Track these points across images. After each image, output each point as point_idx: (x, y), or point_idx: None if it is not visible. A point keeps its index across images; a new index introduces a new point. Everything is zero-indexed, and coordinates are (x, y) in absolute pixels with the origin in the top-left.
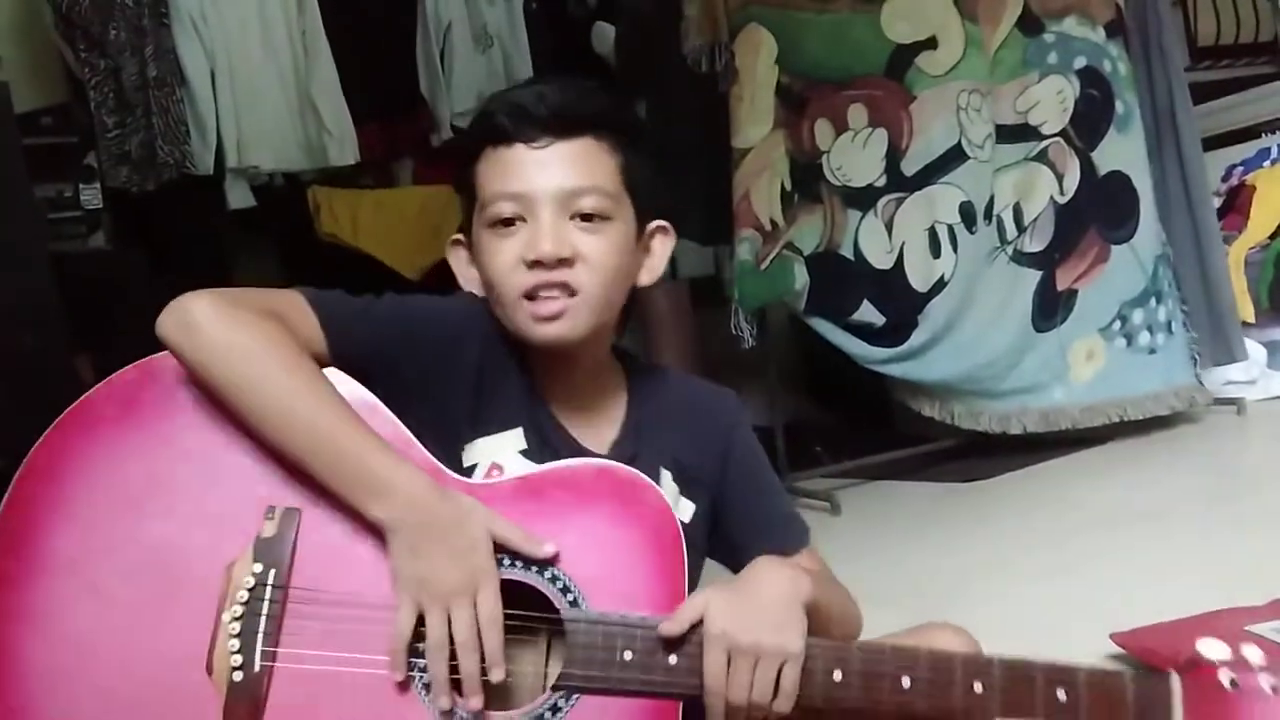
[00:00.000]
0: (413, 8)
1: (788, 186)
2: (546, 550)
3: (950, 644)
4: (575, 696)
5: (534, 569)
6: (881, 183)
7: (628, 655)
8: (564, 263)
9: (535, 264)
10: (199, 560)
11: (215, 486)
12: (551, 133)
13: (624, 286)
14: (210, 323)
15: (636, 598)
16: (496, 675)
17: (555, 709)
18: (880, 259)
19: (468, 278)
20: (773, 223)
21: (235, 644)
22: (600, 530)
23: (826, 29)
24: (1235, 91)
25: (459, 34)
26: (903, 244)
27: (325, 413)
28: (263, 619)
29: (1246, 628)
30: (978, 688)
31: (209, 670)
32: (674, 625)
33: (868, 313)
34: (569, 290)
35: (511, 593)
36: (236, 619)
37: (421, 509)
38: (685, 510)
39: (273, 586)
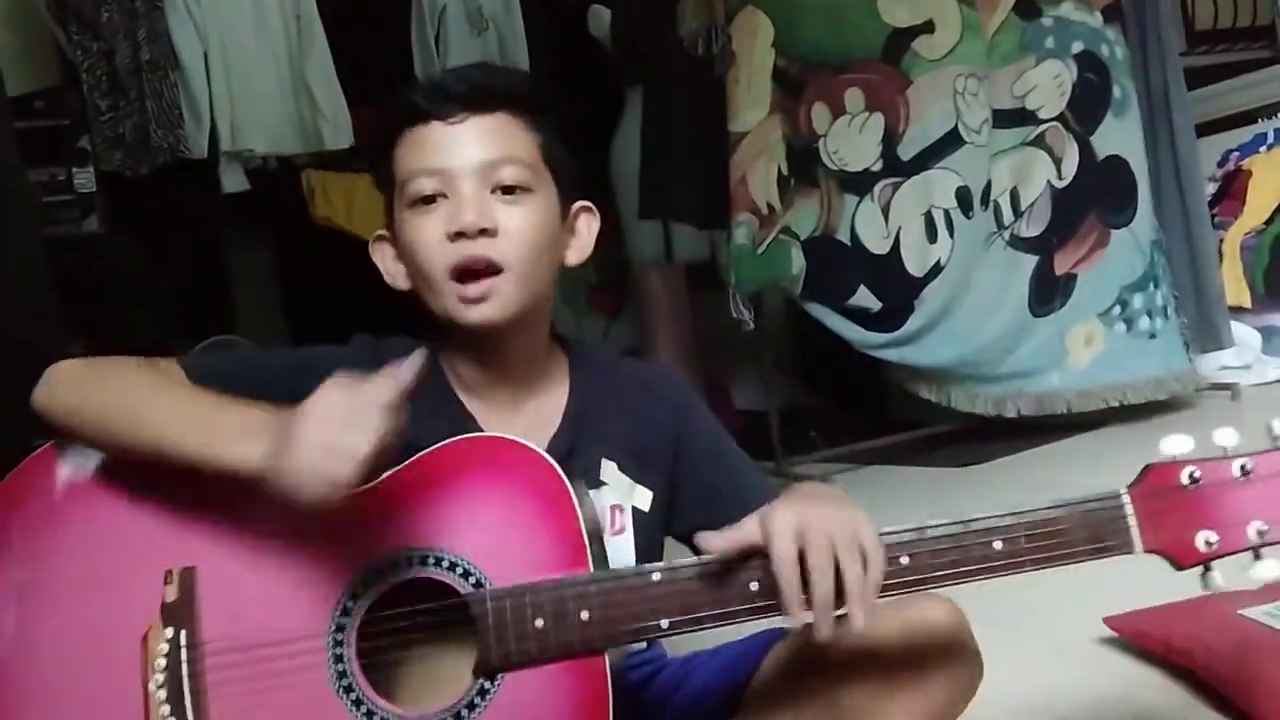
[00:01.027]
0: None
1: (784, 170)
2: (405, 375)
3: (937, 617)
4: (499, 676)
5: (431, 562)
6: (878, 167)
7: (539, 623)
8: (486, 234)
9: (458, 235)
10: (120, 640)
11: (114, 566)
12: (467, 108)
13: (550, 263)
14: (66, 370)
15: (537, 562)
16: None
17: (483, 692)
18: (877, 244)
19: (393, 274)
20: (769, 207)
21: (166, 709)
22: (483, 502)
23: (823, 12)
24: (1232, 76)
25: (454, 16)
26: (899, 229)
27: (163, 393)
28: (185, 679)
29: (1240, 611)
30: (904, 560)
31: None
32: (728, 546)
33: (864, 297)
34: (493, 267)
35: (418, 594)
36: (160, 686)
37: (270, 420)
38: (642, 498)
39: (187, 647)
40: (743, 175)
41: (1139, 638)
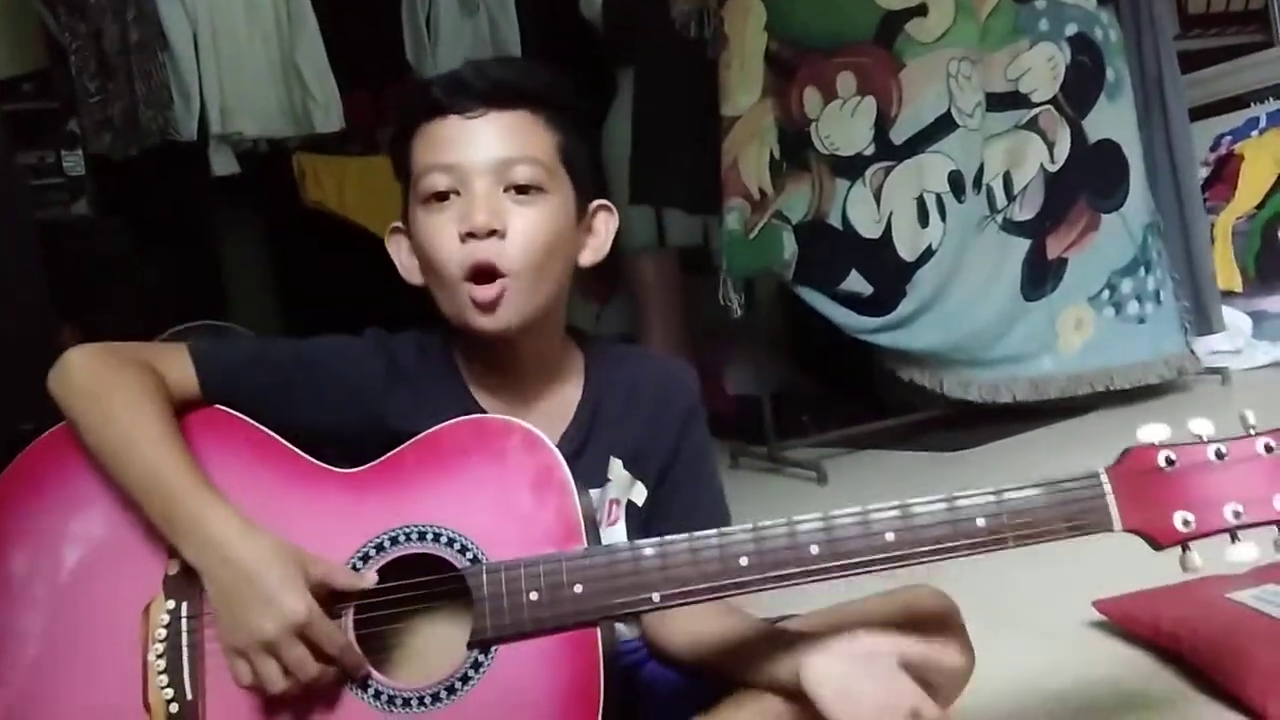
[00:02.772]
0: None
1: (776, 155)
2: (369, 580)
3: (929, 605)
4: (493, 649)
5: (430, 538)
6: (870, 151)
7: (533, 595)
8: (496, 234)
9: (468, 236)
10: (119, 610)
11: (121, 536)
12: (487, 104)
13: (563, 264)
14: (77, 370)
15: (534, 538)
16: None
17: (476, 665)
18: (868, 228)
19: (408, 267)
20: (761, 191)
21: (164, 679)
22: (483, 481)
23: None
24: (1225, 60)
25: None
26: (891, 213)
27: (157, 453)
28: (185, 649)
29: (1228, 595)
30: (890, 537)
31: (147, 709)
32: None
33: (856, 282)
34: (499, 272)
35: (416, 569)
36: (159, 656)
37: (223, 551)
38: (639, 493)
39: (187, 618)
40: (734, 160)
41: (1128, 621)
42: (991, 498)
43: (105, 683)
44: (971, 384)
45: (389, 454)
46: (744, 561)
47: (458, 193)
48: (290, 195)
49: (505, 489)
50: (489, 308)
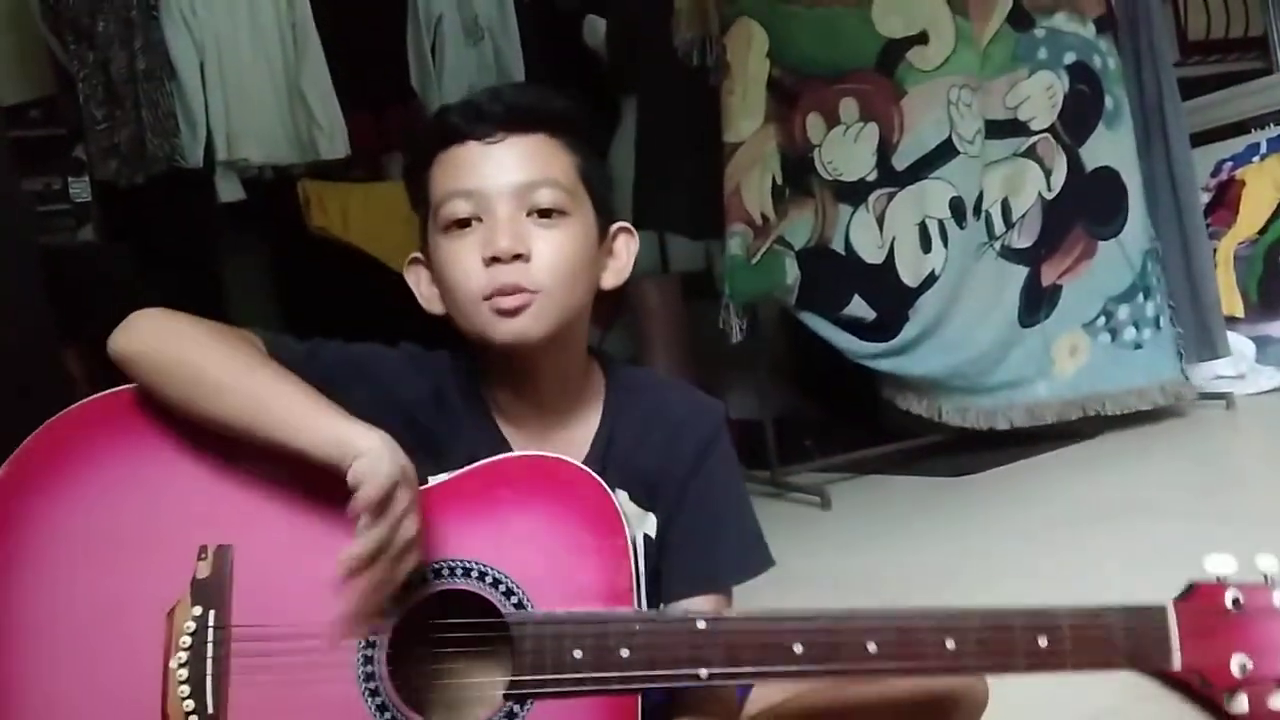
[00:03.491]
0: (403, 0)
1: (779, 180)
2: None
3: (961, 690)
4: (529, 702)
5: (474, 575)
6: (872, 177)
7: (578, 654)
8: (520, 259)
9: (493, 261)
10: (142, 610)
11: (149, 533)
12: (505, 128)
13: (586, 286)
14: (172, 319)
15: (583, 592)
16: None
17: (511, 715)
18: (871, 254)
19: (428, 298)
20: (764, 217)
21: (185, 690)
22: (537, 525)
23: (818, 23)
24: (1225, 86)
25: (450, 26)
26: (893, 239)
27: (261, 369)
28: (209, 661)
29: None
30: (950, 644)
31: (165, 718)
32: None
33: (858, 307)
34: (528, 290)
35: (455, 605)
36: (183, 665)
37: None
38: (650, 525)
39: (214, 628)
40: (737, 186)
41: None
42: (1052, 619)
43: (124, 684)
44: (969, 411)
45: (437, 481)
46: (798, 649)
47: (480, 219)
48: (295, 222)
49: (559, 536)
50: (512, 314)
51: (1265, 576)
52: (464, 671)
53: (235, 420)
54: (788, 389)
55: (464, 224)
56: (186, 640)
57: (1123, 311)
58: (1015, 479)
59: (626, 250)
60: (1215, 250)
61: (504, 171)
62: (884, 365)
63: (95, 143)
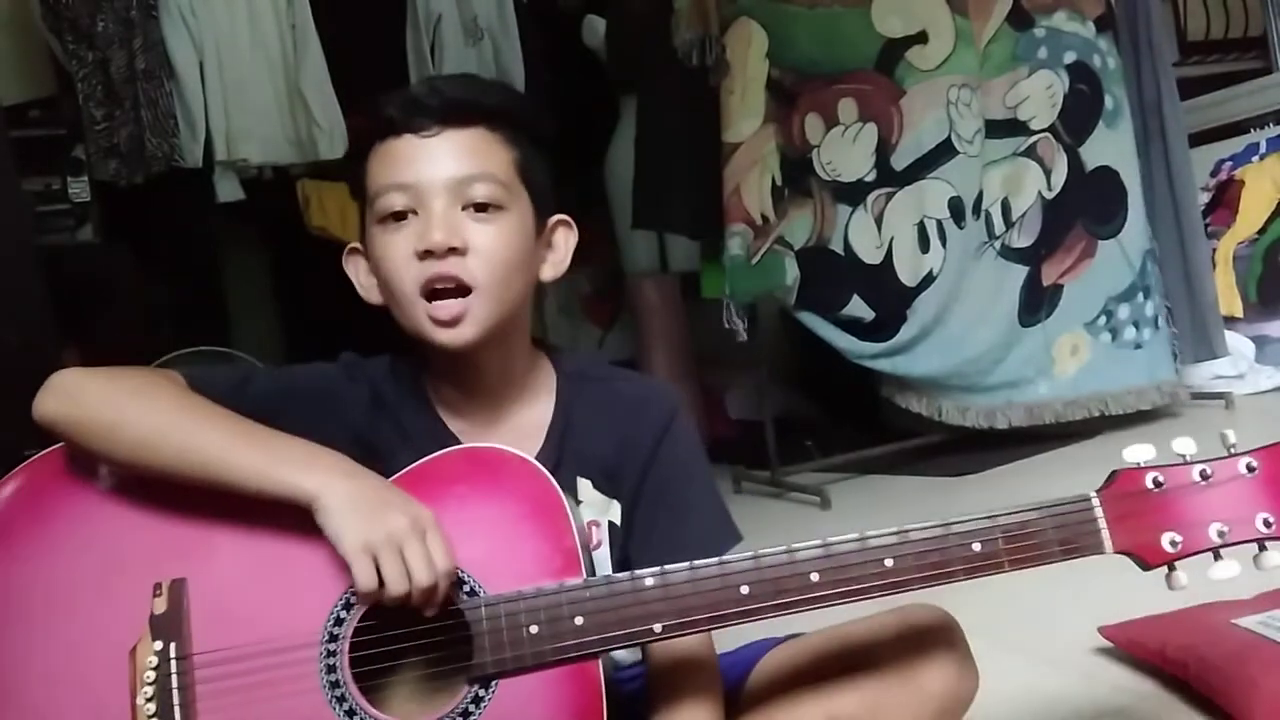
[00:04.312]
0: (403, 0)
1: (778, 181)
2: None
3: (929, 621)
4: (494, 683)
5: None
6: (871, 177)
7: (534, 629)
8: (455, 252)
9: (426, 254)
10: (104, 653)
11: (104, 578)
12: (442, 122)
13: (524, 280)
14: (88, 378)
15: (531, 570)
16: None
17: (477, 700)
18: (870, 254)
19: (366, 287)
20: (763, 217)
21: None
22: (479, 513)
23: (817, 23)
24: (1224, 86)
25: (449, 26)
26: (892, 239)
27: (226, 418)
28: (175, 692)
29: (1234, 621)
30: (888, 562)
31: None
32: None
33: (857, 307)
34: (463, 287)
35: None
36: (149, 700)
37: (345, 466)
38: (615, 512)
39: (176, 659)
40: (736, 186)
41: (1134, 647)
42: (986, 523)
43: None
44: (969, 410)
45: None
46: (745, 590)
47: (415, 212)
48: (295, 221)
49: (500, 519)
50: (451, 323)
51: (1183, 456)
52: (428, 665)
53: (165, 470)
54: (787, 389)
55: (399, 217)
56: (150, 675)
57: (1123, 311)
58: (1014, 479)
59: (565, 243)
60: (1215, 250)
61: (439, 166)
62: (883, 365)
63: (94, 143)
